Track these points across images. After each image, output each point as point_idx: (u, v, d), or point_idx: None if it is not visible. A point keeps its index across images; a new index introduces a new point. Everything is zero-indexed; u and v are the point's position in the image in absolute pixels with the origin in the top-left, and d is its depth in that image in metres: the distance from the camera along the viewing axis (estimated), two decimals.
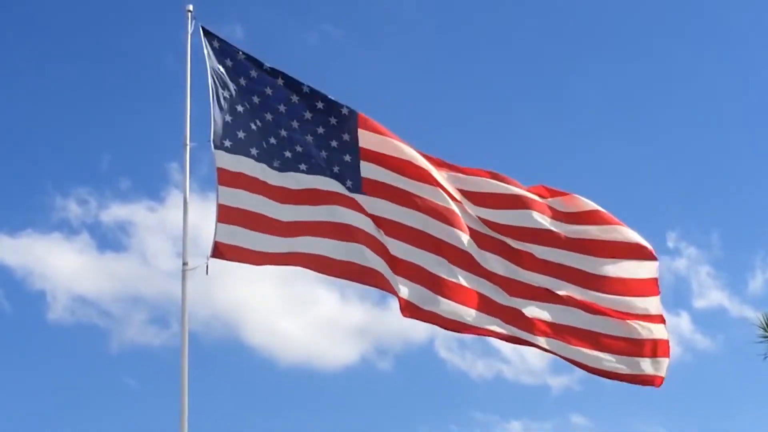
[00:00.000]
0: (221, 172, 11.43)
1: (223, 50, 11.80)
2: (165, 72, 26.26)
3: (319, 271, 11.63)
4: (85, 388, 25.97)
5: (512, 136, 30.07)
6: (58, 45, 29.38)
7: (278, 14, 29.37)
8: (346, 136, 11.63)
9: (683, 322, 27.52)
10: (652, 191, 30.13)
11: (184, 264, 11.32)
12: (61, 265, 27.37)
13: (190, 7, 11.91)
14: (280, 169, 11.58)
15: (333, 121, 11.67)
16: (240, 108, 11.68)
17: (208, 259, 11.23)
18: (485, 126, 29.91)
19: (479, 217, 11.60)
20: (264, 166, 11.57)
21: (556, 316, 11.44)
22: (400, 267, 11.37)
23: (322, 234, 11.52)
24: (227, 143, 11.53)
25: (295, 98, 11.71)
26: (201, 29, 11.81)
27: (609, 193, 29.84)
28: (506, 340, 11.44)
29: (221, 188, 11.41)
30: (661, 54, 30.51)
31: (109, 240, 27.54)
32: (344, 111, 11.66)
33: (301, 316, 27.25)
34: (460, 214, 11.54)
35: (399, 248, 11.41)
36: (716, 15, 31.18)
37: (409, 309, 11.30)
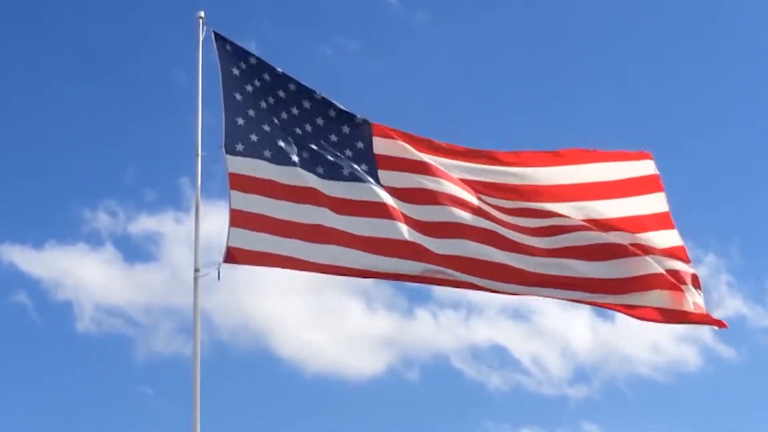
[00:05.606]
0: (233, 176, 11.42)
1: (237, 53, 11.81)
2: (180, 84, 26.44)
3: (339, 275, 11.63)
4: (111, 396, 26.03)
5: (525, 146, 29.92)
6: (78, 61, 29.70)
7: (292, 28, 29.47)
8: (360, 144, 11.70)
9: (704, 331, 27.34)
10: (669, 200, 29.90)
11: (196, 271, 11.29)
12: (88, 276, 27.56)
13: (202, 14, 11.92)
14: (299, 166, 11.54)
15: (346, 129, 11.73)
16: (252, 111, 11.68)
17: (219, 264, 11.21)
18: (499, 136, 29.86)
19: (493, 206, 11.72)
20: (280, 166, 11.52)
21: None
22: (442, 261, 11.39)
23: (346, 243, 11.41)
24: (239, 147, 11.52)
25: (307, 104, 11.76)
26: (213, 33, 11.84)
27: None
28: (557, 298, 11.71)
29: (233, 192, 11.39)
30: (677, 61, 30.44)
31: (138, 250, 27.71)
32: (358, 120, 11.74)
33: (328, 326, 27.26)
34: (477, 203, 11.67)
35: (436, 245, 11.42)
36: (736, 23, 31.09)
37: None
